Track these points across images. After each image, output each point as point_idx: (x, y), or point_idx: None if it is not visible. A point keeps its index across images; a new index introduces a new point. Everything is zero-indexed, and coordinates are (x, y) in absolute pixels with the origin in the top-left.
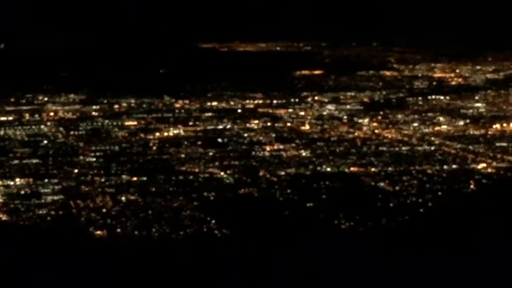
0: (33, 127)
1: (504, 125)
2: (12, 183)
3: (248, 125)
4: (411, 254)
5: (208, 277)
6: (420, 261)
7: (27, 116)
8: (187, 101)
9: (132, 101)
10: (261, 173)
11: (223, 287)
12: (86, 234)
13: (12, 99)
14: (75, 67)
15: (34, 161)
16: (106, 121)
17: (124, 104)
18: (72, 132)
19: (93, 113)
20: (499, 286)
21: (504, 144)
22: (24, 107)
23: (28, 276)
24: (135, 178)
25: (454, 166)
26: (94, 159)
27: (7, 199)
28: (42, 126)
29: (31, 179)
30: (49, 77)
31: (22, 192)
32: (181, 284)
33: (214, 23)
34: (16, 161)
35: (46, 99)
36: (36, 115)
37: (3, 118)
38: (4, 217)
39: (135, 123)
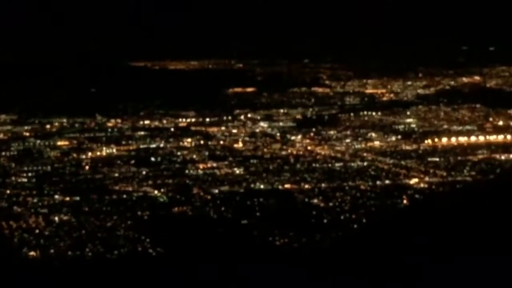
0: None
1: (436, 140)
2: None
3: (181, 143)
4: (346, 271)
5: None
6: (354, 277)
7: None
8: (119, 120)
9: (64, 120)
10: (194, 191)
11: None
12: (19, 255)
13: None
14: (3, 86)
15: None
16: (38, 141)
17: (56, 124)
18: (3, 153)
19: (25, 133)
20: None
21: (436, 159)
22: None
23: None
24: (68, 198)
25: (387, 182)
26: (26, 179)
27: None
28: None
29: None
30: None
31: None
32: None
33: (145, 42)
34: None
35: None
36: None
37: None
38: None
39: (67, 142)
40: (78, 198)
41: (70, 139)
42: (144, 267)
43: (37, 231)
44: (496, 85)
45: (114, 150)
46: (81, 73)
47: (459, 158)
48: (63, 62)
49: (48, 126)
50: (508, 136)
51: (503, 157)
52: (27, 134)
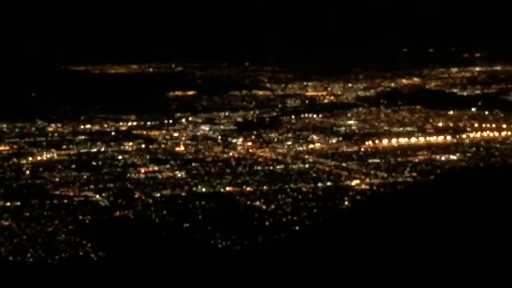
0: None
1: (376, 141)
2: None
3: (122, 147)
4: (288, 272)
5: None
6: (297, 279)
7: None
8: (59, 125)
9: (4, 125)
10: (136, 195)
11: None
12: None
13: None
14: None
15: None
16: None
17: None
18: None
19: None
20: None
21: (377, 160)
22: None
23: None
24: (8, 203)
25: (328, 184)
26: None
27: None
28: None
29: None
30: None
31: None
32: None
33: (85, 46)
34: None
35: None
36: None
37: None
38: None
39: (7, 148)
40: (18, 203)
41: (10, 144)
42: (86, 271)
43: None
44: (436, 87)
45: (55, 155)
46: (21, 77)
47: (399, 159)
48: (2, 66)
49: None
50: (448, 137)
51: (443, 158)
52: None
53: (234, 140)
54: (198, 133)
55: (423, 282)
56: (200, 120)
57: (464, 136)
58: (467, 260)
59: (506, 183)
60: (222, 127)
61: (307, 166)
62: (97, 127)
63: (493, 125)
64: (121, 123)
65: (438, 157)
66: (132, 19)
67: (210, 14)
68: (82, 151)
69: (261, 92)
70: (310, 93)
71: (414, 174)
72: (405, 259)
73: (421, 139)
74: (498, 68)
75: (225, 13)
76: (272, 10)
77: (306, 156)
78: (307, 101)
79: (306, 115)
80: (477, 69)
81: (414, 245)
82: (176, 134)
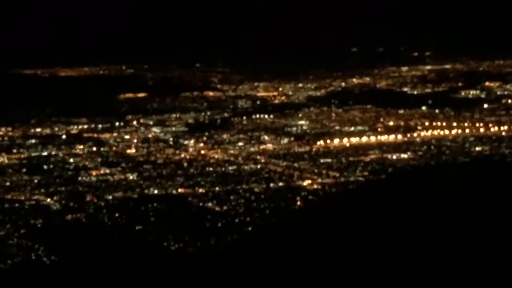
0: None
1: (328, 141)
2: None
3: (73, 150)
4: (242, 274)
5: None
6: (251, 280)
7: None
8: (10, 128)
9: None
10: (88, 198)
11: None
12: None
13: None
14: None
15: None
16: None
17: None
18: None
19: None
20: None
21: (329, 160)
22: None
23: None
24: None
25: (280, 184)
26: None
27: None
28: None
29: None
30: None
31: None
32: None
33: (34, 49)
34: None
35: None
36: None
37: None
38: None
39: None
40: None
41: None
42: (38, 275)
43: None
44: (386, 86)
45: (5, 159)
46: None
47: (351, 158)
48: None
49: None
50: (399, 136)
51: (394, 157)
52: None
53: (185, 142)
54: (150, 135)
55: (377, 280)
56: (151, 122)
57: (415, 134)
58: (418, 258)
59: (457, 181)
60: (173, 128)
61: (259, 166)
62: (47, 131)
63: (444, 124)
64: (71, 126)
65: (389, 156)
66: (80, 21)
67: (158, 15)
68: (33, 154)
69: (212, 93)
70: (261, 93)
71: (366, 173)
72: (359, 259)
73: (372, 138)
74: (448, 66)
75: (173, 14)
76: (221, 10)
77: (258, 157)
78: (258, 102)
79: (258, 115)
80: (427, 67)
81: (366, 244)
82: (127, 137)
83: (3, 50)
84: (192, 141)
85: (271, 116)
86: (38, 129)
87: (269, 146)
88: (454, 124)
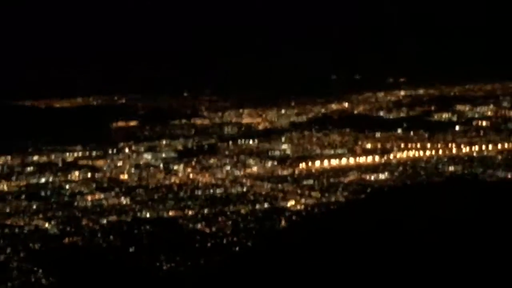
0: None
1: (310, 164)
2: None
3: (69, 177)
4: None
5: None
6: None
7: None
8: (9, 157)
9: None
10: (83, 222)
11: None
12: None
13: None
14: None
15: None
16: None
17: None
18: None
19: None
20: None
21: (310, 181)
22: None
23: None
24: None
25: (265, 205)
26: None
27: None
28: None
29: None
30: None
31: None
32: None
33: (30, 81)
34: None
35: None
36: None
37: None
38: None
39: None
40: None
41: None
42: None
43: None
44: (364, 111)
45: (5, 186)
46: None
47: (331, 180)
48: None
49: None
50: (376, 158)
51: (372, 178)
52: None
53: (175, 167)
54: (141, 162)
55: None
56: (142, 149)
57: (391, 156)
58: (402, 275)
59: (433, 200)
60: (163, 155)
61: (244, 189)
62: (44, 158)
63: (418, 145)
64: (67, 154)
65: (367, 177)
66: (71, 52)
67: (145, 46)
68: (31, 181)
69: (199, 121)
70: (245, 120)
71: (346, 193)
72: (343, 276)
73: (351, 160)
74: (421, 91)
75: (161, 45)
76: (203, 39)
77: (244, 180)
78: (243, 128)
79: (243, 141)
80: (402, 93)
81: (349, 262)
82: (120, 163)
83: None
84: (181, 166)
85: (256, 141)
86: (36, 157)
87: (254, 169)
88: (428, 145)
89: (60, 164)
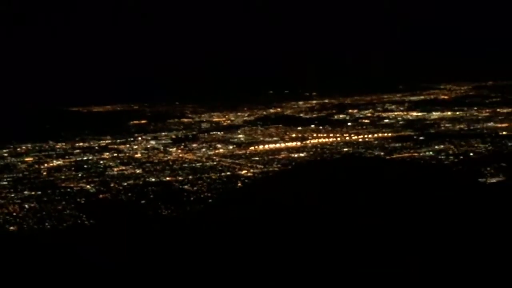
0: None
1: (256, 147)
2: None
3: (102, 156)
4: (207, 230)
5: None
6: None
7: None
8: (63, 144)
9: (29, 145)
10: (111, 185)
11: None
12: (3, 229)
13: None
14: None
15: None
16: (13, 158)
17: (24, 147)
18: None
19: (4, 154)
20: None
21: (257, 158)
22: None
23: None
24: (33, 193)
25: (228, 173)
26: (6, 182)
27: None
28: None
29: None
30: None
31: None
32: None
33: (76, 91)
34: None
35: None
36: None
37: None
38: None
39: (31, 158)
40: (40, 192)
41: (33, 156)
42: (82, 236)
43: (14, 214)
44: (290, 113)
45: (61, 162)
46: (38, 114)
47: (270, 157)
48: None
49: (18, 149)
50: (298, 143)
51: (295, 155)
52: (5, 154)
53: (170, 149)
54: (148, 146)
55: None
56: (149, 138)
57: (308, 142)
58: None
59: (333, 169)
60: (163, 141)
61: (214, 163)
62: (86, 144)
63: (324, 135)
64: (101, 141)
65: (293, 155)
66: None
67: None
68: (77, 159)
69: (186, 120)
70: (215, 119)
71: (279, 165)
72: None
73: (282, 145)
74: (326, 101)
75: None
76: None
77: (214, 157)
78: (213, 124)
79: (213, 132)
80: (314, 102)
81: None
82: (135, 147)
83: (51, 94)
84: (174, 149)
85: (221, 132)
86: (80, 144)
87: (221, 150)
88: (331, 135)
89: (96, 148)
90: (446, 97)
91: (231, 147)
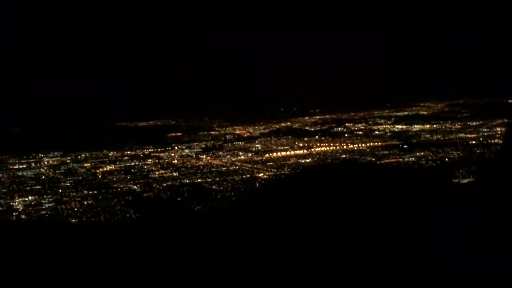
0: (37, 170)
1: (270, 154)
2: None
3: (146, 162)
4: (232, 224)
5: None
6: None
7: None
8: (114, 152)
9: (87, 153)
10: (154, 185)
11: None
12: (66, 221)
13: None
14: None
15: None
16: (74, 164)
17: (83, 155)
18: (56, 171)
19: (68, 161)
20: None
21: (271, 163)
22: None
23: None
24: (90, 192)
25: (248, 175)
26: (69, 184)
27: None
28: (43, 170)
29: (36, 196)
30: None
31: None
32: None
33: (125, 109)
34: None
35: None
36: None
37: None
38: None
39: (89, 164)
40: (96, 191)
41: (90, 162)
42: (131, 228)
43: (75, 209)
44: (298, 126)
45: (113, 167)
46: (92, 129)
47: (282, 162)
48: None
49: (79, 157)
50: (305, 151)
51: (302, 161)
52: (68, 161)
53: (201, 156)
54: (183, 153)
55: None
56: (184, 147)
57: (313, 150)
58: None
59: (334, 174)
60: (195, 150)
61: (237, 167)
62: (133, 153)
63: (326, 144)
64: (144, 150)
65: (300, 160)
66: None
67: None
68: (126, 164)
69: (213, 132)
70: (237, 132)
71: (289, 169)
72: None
73: (292, 152)
74: (328, 116)
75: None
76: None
77: (237, 163)
78: (236, 136)
79: (236, 142)
80: (317, 117)
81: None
82: (172, 154)
83: (102, 111)
84: (204, 156)
85: (242, 142)
86: (128, 152)
87: (242, 157)
88: (331, 144)
89: (141, 155)
90: (425, 113)
91: (250, 154)
